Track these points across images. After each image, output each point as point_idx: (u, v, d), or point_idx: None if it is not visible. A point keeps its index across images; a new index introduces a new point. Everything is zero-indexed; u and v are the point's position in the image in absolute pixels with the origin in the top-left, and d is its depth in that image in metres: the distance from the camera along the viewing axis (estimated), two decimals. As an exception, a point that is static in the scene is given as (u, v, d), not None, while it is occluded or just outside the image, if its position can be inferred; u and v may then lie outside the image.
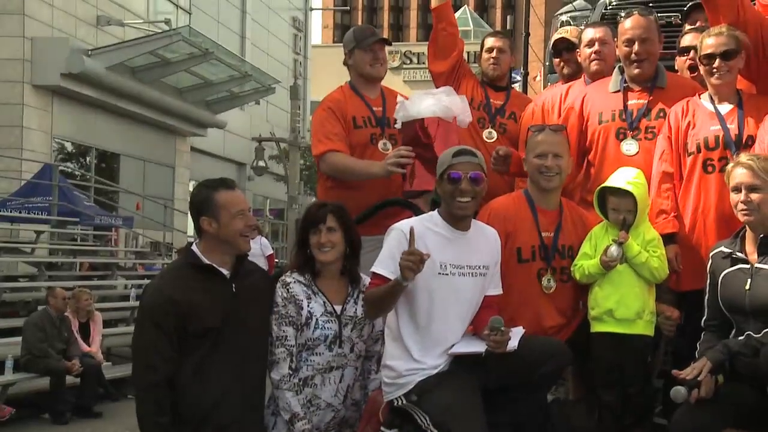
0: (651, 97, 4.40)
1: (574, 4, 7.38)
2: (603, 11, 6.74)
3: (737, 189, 3.66)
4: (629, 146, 4.35)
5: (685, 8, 5.46)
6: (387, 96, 5.00)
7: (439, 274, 3.78)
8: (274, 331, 3.92)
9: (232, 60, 21.31)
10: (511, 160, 4.54)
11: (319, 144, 4.84)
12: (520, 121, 5.06)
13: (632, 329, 3.96)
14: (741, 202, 3.64)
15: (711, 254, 3.78)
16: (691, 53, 4.59)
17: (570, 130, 4.41)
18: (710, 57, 4.06)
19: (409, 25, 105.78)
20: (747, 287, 3.57)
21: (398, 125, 4.58)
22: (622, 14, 4.58)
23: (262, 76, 23.03)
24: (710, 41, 4.07)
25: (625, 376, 3.96)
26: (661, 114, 4.34)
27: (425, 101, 4.46)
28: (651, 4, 6.30)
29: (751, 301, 3.55)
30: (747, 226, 3.68)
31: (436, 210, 3.95)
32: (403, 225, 3.82)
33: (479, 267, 3.87)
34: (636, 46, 4.36)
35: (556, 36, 5.43)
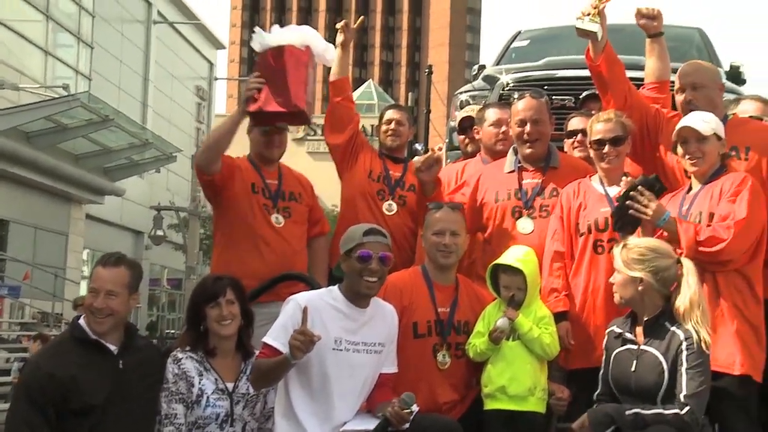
0: (544, 177, 4.57)
1: (473, 84, 7.59)
2: (501, 92, 6.98)
3: (617, 272, 3.82)
4: (525, 224, 4.50)
5: (581, 96, 5.70)
6: (284, 173, 5.07)
7: (334, 349, 3.79)
8: (163, 409, 3.84)
9: (133, 127, 21.06)
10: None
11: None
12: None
13: (524, 406, 4.02)
14: (616, 284, 3.81)
15: (607, 331, 3.90)
16: (579, 136, 4.79)
17: (466, 208, 4.52)
18: (600, 142, 4.26)
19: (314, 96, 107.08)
20: (633, 368, 3.68)
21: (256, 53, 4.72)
22: (516, 96, 4.77)
23: (163, 144, 22.79)
24: (599, 127, 4.27)
25: None
26: (555, 193, 4.51)
27: (283, 32, 4.68)
28: (545, 87, 6.57)
29: (636, 383, 3.66)
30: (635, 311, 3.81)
31: (336, 285, 3.97)
32: (301, 298, 3.83)
33: (375, 344, 3.89)
34: (528, 127, 4.54)
35: (462, 114, 5.57)
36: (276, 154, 5.04)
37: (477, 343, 4.14)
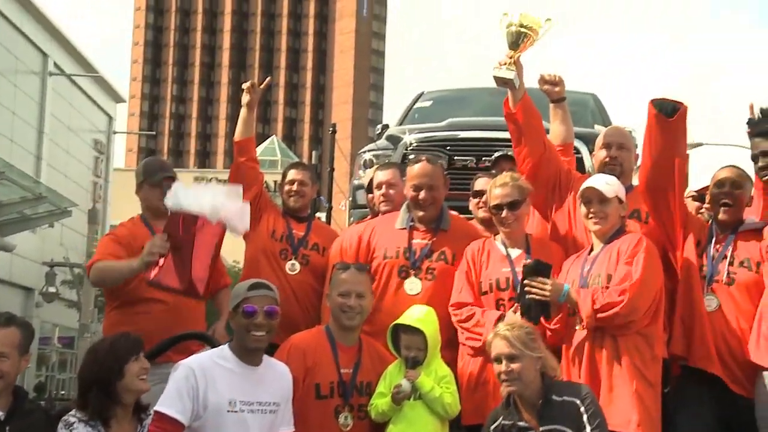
0: (435, 239, 4.64)
1: (377, 143, 7.69)
2: (404, 151, 7.08)
3: (498, 360, 3.79)
4: (412, 285, 4.56)
5: (493, 156, 5.82)
6: None
7: (229, 411, 3.74)
8: None
9: (26, 181, 20.48)
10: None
11: (91, 260, 4.92)
12: (326, 254, 5.14)
13: None
14: (502, 373, 3.77)
15: (491, 428, 3.83)
16: (484, 197, 4.89)
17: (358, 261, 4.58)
18: (498, 207, 4.38)
19: (216, 151, 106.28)
20: None
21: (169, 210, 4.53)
22: (411, 158, 4.86)
23: (57, 198, 22.21)
24: (497, 192, 4.39)
25: None
26: (442, 256, 4.58)
27: (200, 196, 4.43)
28: (448, 148, 6.72)
29: None
30: (514, 394, 3.80)
31: (227, 344, 3.92)
32: (192, 362, 3.78)
33: (270, 404, 3.86)
34: (422, 193, 4.62)
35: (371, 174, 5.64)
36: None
37: (379, 403, 4.14)
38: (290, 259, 5.13)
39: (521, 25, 4.37)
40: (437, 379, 4.13)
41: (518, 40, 4.39)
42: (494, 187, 4.42)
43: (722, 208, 4.34)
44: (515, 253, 4.38)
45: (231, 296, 3.95)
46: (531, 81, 4.63)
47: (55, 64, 29.36)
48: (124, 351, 3.86)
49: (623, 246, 4.10)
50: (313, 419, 4.08)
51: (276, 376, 3.95)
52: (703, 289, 4.26)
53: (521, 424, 3.74)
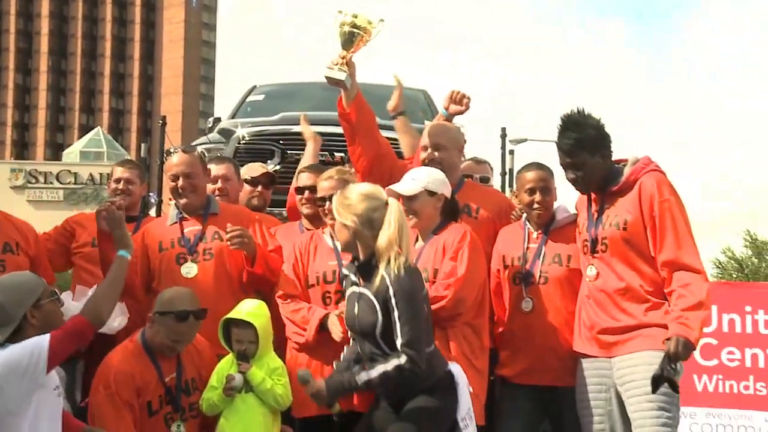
0: (206, 223, 4.71)
1: (209, 136, 7.63)
2: (237, 145, 7.08)
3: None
4: (188, 269, 4.60)
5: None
6: None
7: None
8: None
9: None
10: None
11: None
12: None
13: None
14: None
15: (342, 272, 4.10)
16: (306, 193, 4.97)
17: (137, 261, 4.60)
18: (323, 200, 4.47)
19: (35, 143, 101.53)
20: (355, 310, 3.84)
21: None
22: (172, 150, 4.95)
23: None
24: (323, 185, 4.50)
25: None
26: (216, 236, 4.64)
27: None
28: (281, 142, 6.79)
29: (359, 323, 3.83)
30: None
31: None
32: None
33: (58, 387, 3.82)
34: (180, 181, 4.67)
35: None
36: None
37: (210, 396, 4.16)
38: None
39: (354, 26, 4.40)
40: (269, 372, 4.17)
41: (351, 39, 4.42)
42: (321, 181, 4.51)
43: (535, 212, 4.52)
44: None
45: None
46: (372, 78, 4.69)
47: None
48: None
49: (448, 240, 4.21)
50: None
51: None
52: (521, 292, 4.46)
53: (353, 278, 3.91)
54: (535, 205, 4.51)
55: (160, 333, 4.16)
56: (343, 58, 4.44)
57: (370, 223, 3.80)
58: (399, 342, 3.67)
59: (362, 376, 3.74)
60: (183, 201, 4.69)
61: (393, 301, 3.69)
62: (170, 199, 4.92)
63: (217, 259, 4.60)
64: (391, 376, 3.67)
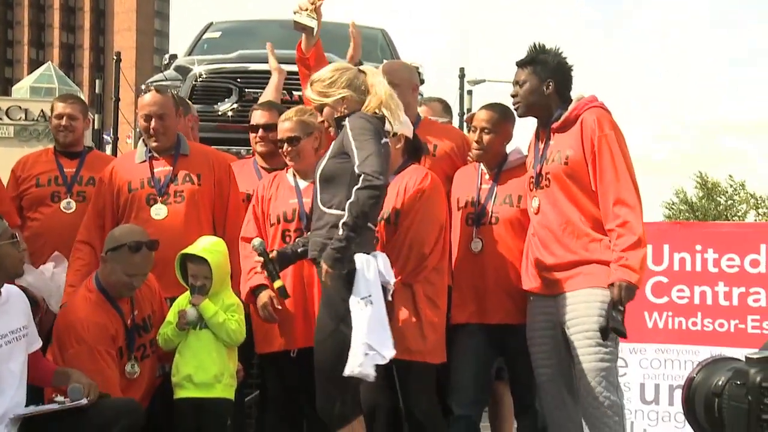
0: (176, 164, 4.70)
1: (164, 73, 7.54)
2: (193, 83, 7.01)
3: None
4: (158, 211, 4.60)
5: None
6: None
7: None
8: None
9: None
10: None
11: None
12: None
13: (211, 393, 4.14)
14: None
15: None
16: (260, 131, 4.98)
17: (100, 200, 4.67)
18: (281, 142, 4.44)
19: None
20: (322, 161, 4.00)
21: None
22: (143, 88, 4.90)
23: None
24: (282, 126, 4.44)
25: None
26: (187, 179, 4.66)
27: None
28: (239, 80, 6.78)
29: (321, 169, 3.97)
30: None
31: None
32: None
33: (21, 329, 3.89)
34: (153, 122, 4.65)
35: None
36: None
37: (165, 331, 4.22)
38: (65, 199, 5.07)
39: None
40: (224, 308, 4.20)
41: None
42: (281, 122, 4.48)
43: (474, 152, 4.56)
44: (303, 184, 4.43)
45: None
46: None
47: None
48: None
49: (410, 181, 4.24)
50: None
51: (17, 301, 3.95)
52: (471, 233, 4.49)
53: None
54: (474, 144, 4.55)
55: (115, 270, 4.17)
56: (312, 4, 4.39)
57: (358, 90, 3.95)
58: (356, 166, 3.74)
59: (337, 239, 3.73)
60: (154, 143, 4.67)
61: (349, 135, 3.81)
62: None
63: (188, 202, 4.60)
64: (357, 203, 3.70)
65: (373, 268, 3.77)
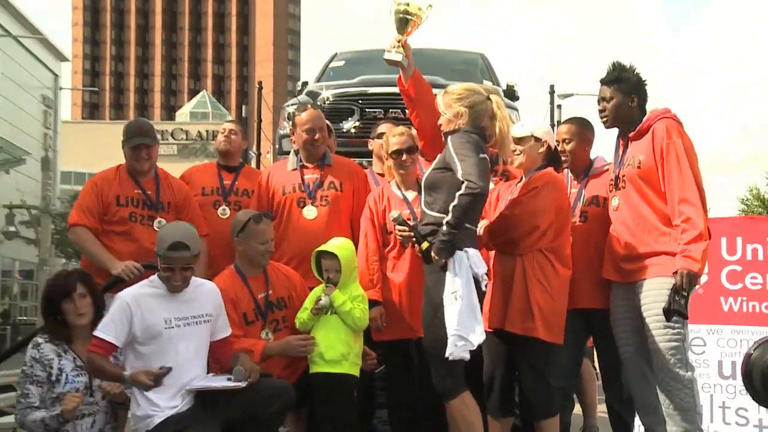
0: (322, 172, 4.78)
1: (298, 97, 7.66)
2: (322, 105, 7.10)
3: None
4: (309, 212, 4.70)
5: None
6: (162, 179, 4.87)
7: (166, 328, 3.86)
8: (18, 388, 3.85)
9: (-18, 133, 19.70)
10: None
11: (73, 213, 4.76)
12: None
13: (339, 369, 4.19)
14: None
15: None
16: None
17: (259, 201, 4.79)
18: (398, 152, 4.46)
19: (153, 105, 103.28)
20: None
21: None
22: (294, 108, 5.13)
23: (11, 148, 21.47)
24: (395, 140, 4.47)
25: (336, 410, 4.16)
26: (332, 185, 4.74)
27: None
28: (360, 101, 6.79)
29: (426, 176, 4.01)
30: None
31: (157, 273, 4.00)
32: (125, 294, 3.88)
33: (203, 315, 3.98)
34: (317, 134, 4.75)
35: None
36: (145, 166, 4.78)
37: (301, 315, 4.29)
38: (221, 206, 5.21)
39: (406, 12, 4.27)
40: (351, 298, 4.23)
41: (405, 24, 4.30)
42: (391, 137, 4.48)
43: (563, 159, 4.50)
44: (411, 195, 4.48)
45: (157, 240, 3.96)
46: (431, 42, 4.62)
47: (2, 27, 28.04)
48: (56, 293, 4.03)
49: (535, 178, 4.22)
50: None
51: (205, 292, 4.04)
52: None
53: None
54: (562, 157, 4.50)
55: (250, 245, 4.26)
56: (399, 41, 4.39)
57: (479, 112, 3.98)
58: (459, 173, 3.77)
59: (443, 228, 3.77)
60: (319, 151, 4.77)
61: (451, 150, 3.85)
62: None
63: (332, 205, 4.70)
64: (460, 206, 3.74)
65: (464, 265, 3.78)
